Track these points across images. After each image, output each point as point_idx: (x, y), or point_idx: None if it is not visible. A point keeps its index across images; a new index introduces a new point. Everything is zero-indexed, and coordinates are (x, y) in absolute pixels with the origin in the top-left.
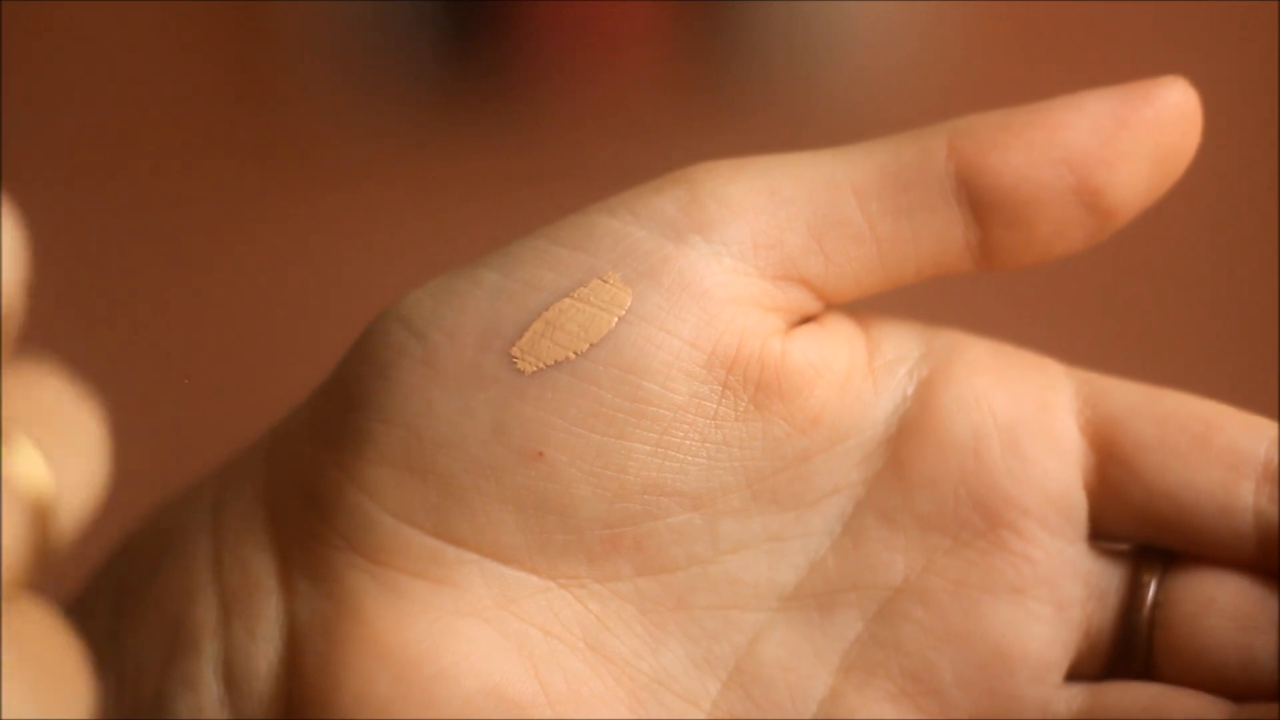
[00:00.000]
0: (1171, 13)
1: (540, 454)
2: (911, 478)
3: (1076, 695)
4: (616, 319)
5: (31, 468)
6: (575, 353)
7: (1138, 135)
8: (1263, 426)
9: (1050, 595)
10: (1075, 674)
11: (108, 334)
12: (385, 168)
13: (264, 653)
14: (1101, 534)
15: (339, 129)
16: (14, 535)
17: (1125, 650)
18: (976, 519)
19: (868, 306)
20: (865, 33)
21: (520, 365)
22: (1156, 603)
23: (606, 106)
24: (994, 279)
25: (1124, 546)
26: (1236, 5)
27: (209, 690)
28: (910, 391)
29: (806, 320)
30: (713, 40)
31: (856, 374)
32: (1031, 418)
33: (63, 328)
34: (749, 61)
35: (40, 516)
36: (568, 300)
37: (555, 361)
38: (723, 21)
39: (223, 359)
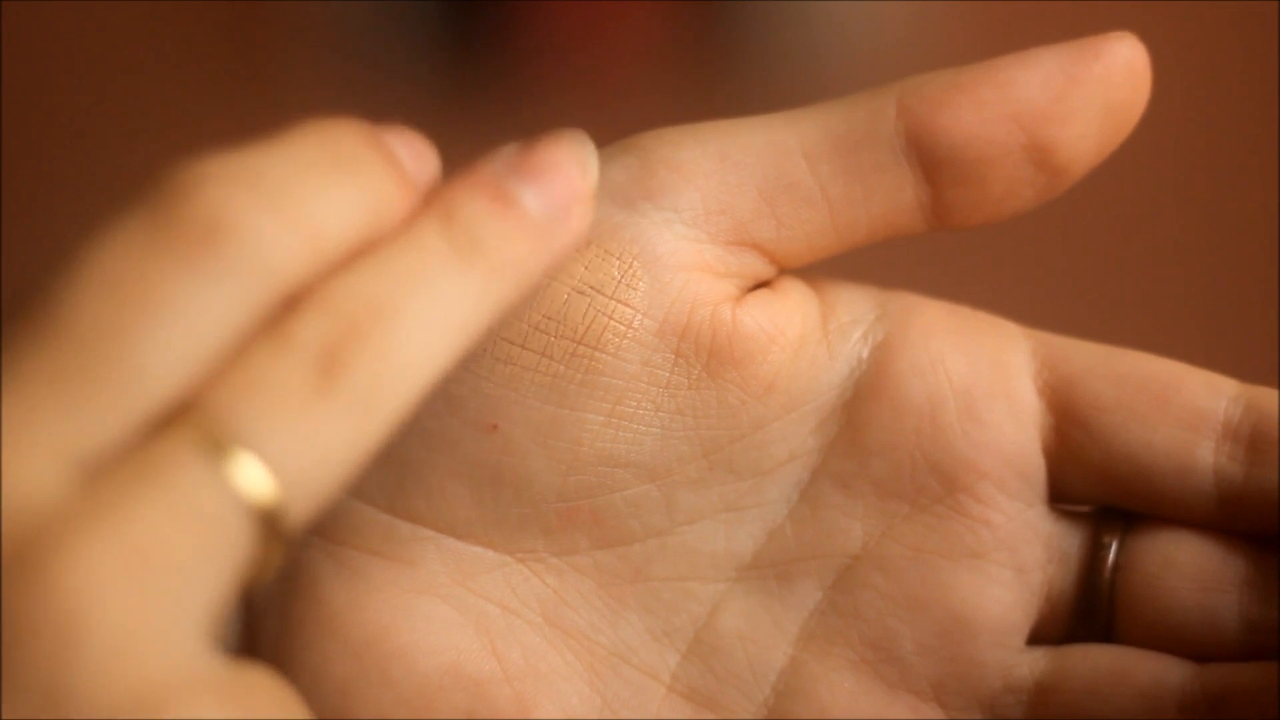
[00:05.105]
0: (1171, 12)
1: (494, 426)
2: (868, 443)
3: (1039, 659)
4: (568, 289)
5: (254, 477)
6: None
7: (1088, 91)
8: (1221, 384)
9: (1010, 559)
10: (1037, 638)
11: None
12: None
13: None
14: (1061, 496)
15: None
16: (241, 548)
17: (1087, 613)
18: (934, 484)
19: (822, 270)
20: (865, 33)
21: None
22: (1117, 565)
23: (607, 106)
24: (949, 239)
25: (1084, 508)
26: (1237, 5)
27: None
28: (865, 355)
29: (760, 285)
30: (713, 40)
31: (811, 339)
32: (988, 380)
33: None
34: (749, 61)
35: (268, 522)
36: None
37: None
38: (723, 21)
39: None
